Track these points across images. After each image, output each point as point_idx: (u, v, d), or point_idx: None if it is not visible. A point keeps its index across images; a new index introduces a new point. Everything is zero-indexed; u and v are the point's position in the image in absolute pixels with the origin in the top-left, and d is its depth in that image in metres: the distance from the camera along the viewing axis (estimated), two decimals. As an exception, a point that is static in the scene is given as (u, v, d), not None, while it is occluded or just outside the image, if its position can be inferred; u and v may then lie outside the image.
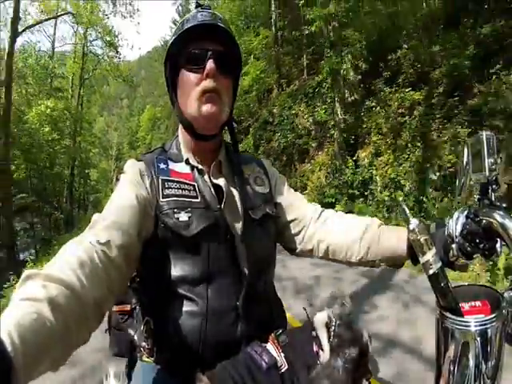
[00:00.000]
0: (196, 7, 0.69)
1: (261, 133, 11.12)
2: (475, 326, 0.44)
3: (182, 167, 0.70)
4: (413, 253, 0.54)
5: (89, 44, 15.79)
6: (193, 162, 0.70)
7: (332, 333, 0.55)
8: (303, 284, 3.72)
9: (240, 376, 0.55)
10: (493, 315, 0.44)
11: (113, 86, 20.37)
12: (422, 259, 0.49)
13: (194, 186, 0.67)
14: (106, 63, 15.76)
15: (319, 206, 0.80)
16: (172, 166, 0.70)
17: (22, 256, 10.97)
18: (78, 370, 2.29)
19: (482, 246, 0.49)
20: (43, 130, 12.84)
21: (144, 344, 0.66)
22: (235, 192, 0.71)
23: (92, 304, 0.44)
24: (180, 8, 27.75)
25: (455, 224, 0.52)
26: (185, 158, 0.71)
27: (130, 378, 0.79)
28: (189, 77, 0.65)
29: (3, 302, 4.66)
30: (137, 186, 0.64)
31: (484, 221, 0.47)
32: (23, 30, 10.94)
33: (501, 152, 4.70)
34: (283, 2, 11.68)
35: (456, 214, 0.53)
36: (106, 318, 0.67)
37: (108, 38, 14.88)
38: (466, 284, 0.51)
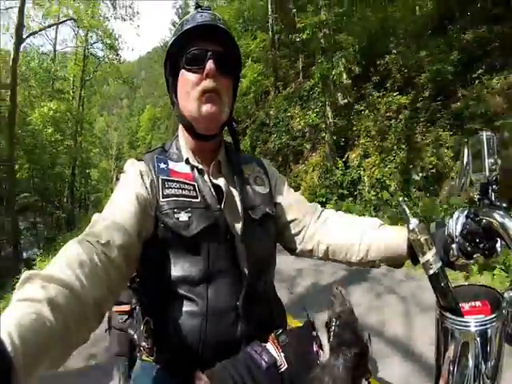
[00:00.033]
0: (196, 8, 0.70)
1: (257, 134, 11.39)
2: (475, 326, 0.44)
3: (181, 167, 0.70)
4: (413, 253, 0.54)
5: (89, 46, 16.03)
6: (193, 161, 0.70)
7: (332, 333, 0.55)
8: (287, 275, 4.13)
9: (240, 375, 0.56)
10: (493, 315, 0.44)
11: (113, 86, 20.58)
12: (422, 259, 0.49)
13: (193, 185, 0.67)
14: (106, 65, 16.04)
15: (319, 205, 0.80)
16: (172, 165, 0.70)
17: (25, 254, 11.31)
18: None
19: (482, 245, 0.49)
20: (46, 131, 13.15)
21: (144, 344, 0.66)
22: (235, 192, 0.71)
23: (92, 304, 0.45)
24: (180, 10, 28.20)
25: (455, 224, 0.52)
26: (185, 158, 0.71)
27: (129, 377, 0.79)
28: (189, 77, 0.66)
29: (3, 303, 4.86)
30: (137, 186, 0.64)
31: (484, 221, 0.47)
32: (27, 37, 11.33)
33: None
34: (280, 6, 11.95)
35: (456, 214, 0.53)
36: (105, 318, 0.67)
37: (108, 41, 15.16)
38: (466, 284, 0.51)
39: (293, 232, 0.77)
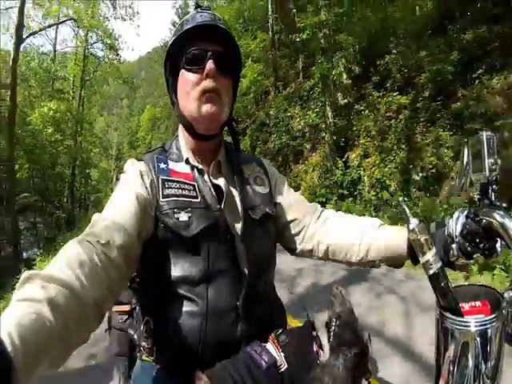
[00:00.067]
0: (195, 8, 0.70)
1: (257, 134, 11.40)
2: (475, 326, 0.43)
3: (181, 167, 0.70)
4: (413, 253, 0.54)
5: (89, 46, 16.03)
6: (193, 161, 0.70)
7: (332, 333, 0.55)
8: (287, 275, 4.14)
9: (240, 375, 0.56)
10: (493, 315, 0.44)
11: (113, 86, 20.59)
12: (422, 259, 0.49)
13: (193, 185, 0.67)
14: (106, 65, 16.03)
15: (319, 205, 0.80)
16: (172, 165, 0.69)
17: (25, 254, 11.34)
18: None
19: (482, 245, 0.49)
20: (46, 131, 13.16)
21: (144, 344, 0.66)
22: (235, 192, 0.71)
23: (92, 304, 0.45)
24: (180, 10, 28.23)
25: (455, 224, 0.52)
26: (185, 158, 0.70)
27: (129, 377, 0.79)
28: (189, 77, 0.66)
29: (3, 303, 4.86)
30: (137, 186, 0.64)
31: (484, 221, 0.47)
32: (27, 37, 11.35)
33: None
34: (280, 6, 11.95)
35: (456, 214, 0.53)
36: (105, 318, 0.66)
37: (108, 41, 15.15)
38: (466, 284, 0.51)
39: (293, 232, 0.77)
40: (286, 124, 9.99)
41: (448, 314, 0.46)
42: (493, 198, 0.49)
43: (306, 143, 9.22)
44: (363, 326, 0.54)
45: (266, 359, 0.58)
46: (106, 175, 27.51)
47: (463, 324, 0.45)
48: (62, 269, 0.44)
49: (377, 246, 0.66)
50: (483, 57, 5.55)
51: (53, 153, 14.20)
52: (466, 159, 0.51)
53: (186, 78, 0.66)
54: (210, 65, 0.64)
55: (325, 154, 8.01)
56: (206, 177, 0.69)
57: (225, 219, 0.66)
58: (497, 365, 0.44)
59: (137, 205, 0.60)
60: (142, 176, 0.65)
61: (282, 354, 0.60)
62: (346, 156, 7.46)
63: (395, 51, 7.13)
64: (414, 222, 0.51)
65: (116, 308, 0.82)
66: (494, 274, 3.30)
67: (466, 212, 0.52)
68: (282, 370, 0.58)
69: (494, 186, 0.49)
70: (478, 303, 0.49)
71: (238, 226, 0.68)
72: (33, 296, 0.38)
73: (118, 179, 0.69)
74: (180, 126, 0.74)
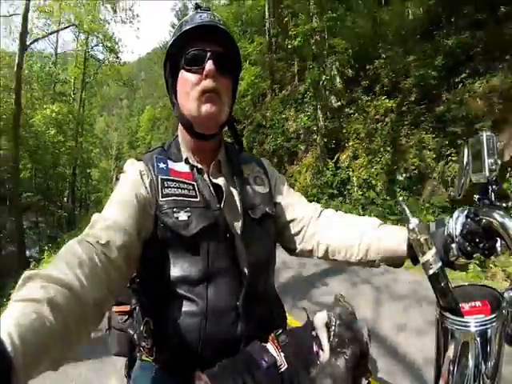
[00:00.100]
0: (195, 9, 0.69)
1: (254, 135, 11.46)
2: (475, 326, 0.43)
3: (181, 166, 0.69)
4: (413, 252, 0.52)
5: (90, 49, 15.93)
6: (192, 161, 0.69)
7: (332, 333, 0.54)
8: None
9: (240, 375, 0.55)
10: (493, 315, 0.43)
11: (113, 87, 20.41)
12: (422, 259, 0.48)
13: (193, 185, 0.66)
14: (106, 67, 15.91)
15: (319, 205, 0.79)
16: (171, 165, 0.68)
17: (28, 253, 11.24)
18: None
19: (481, 245, 0.49)
20: (49, 132, 13.11)
21: (144, 344, 0.64)
22: (235, 191, 0.69)
23: (92, 304, 0.44)
24: (179, 13, 27.90)
25: (455, 223, 0.51)
26: (184, 158, 0.69)
27: (129, 377, 0.77)
28: (188, 77, 0.64)
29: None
30: (136, 186, 0.62)
31: (484, 220, 0.47)
32: (31, 43, 11.28)
33: (456, 155, 5.10)
34: (276, 10, 12.00)
35: (456, 214, 0.52)
36: (105, 318, 0.67)
37: (109, 44, 15.03)
38: (466, 284, 0.50)
39: (292, 232, 0.76)
40: (282, 126, 10.10)
41: (448, 314, 0.45)
42: (493, 198, 0.48)
43: (300, 145, 9.35)
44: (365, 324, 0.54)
45: (266, 359, 0.57)
46: (106, 175, 27.42)
47: (463, 324, 0.44)
48: (61, 269, 0.43)
49: (376, 246, 0.65)
50: (467, 61, 5.63)
51: (55, 153, 14.18)
52: (465, 159, 0.50)
53: (186, 78, 0.65)
54: (209, 65, 0.63)
55: (317, 156, 8.10)
56: (205, 176, 0.68)
57: (224, 219, 0.65)
58: (497, 365, 0.43)
59: (136, 204, 0.59)
60: (141, 176, 0.64)
61: (282, 354, 0.58)
62: (337, 157, 7.60)
63: (384, 56, 7.23)
64: (413, 221, 0.49)
65: (116, 308, 0.80)
66: (467, 269, 3.41)
67: (465, 212, 0.51)
68: (282, 370, 0.57)
69: (493, 186, 0.48)
70: (477, 303, 0.47)
71: (238, 226, 0.67)
72: (33, 296, 0.37)
73: (117, 179, 0.67)
74: (179, 126, 0.73)
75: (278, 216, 0.75)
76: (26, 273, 0.40)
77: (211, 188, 0.67)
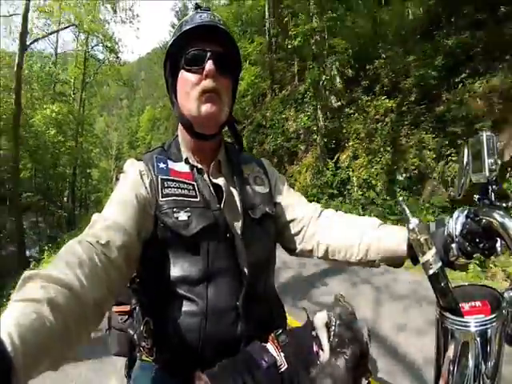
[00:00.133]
0: (195, 9, 0.69)
1: (254, 135, 11.47)
2: (475, 326, 0.43)
3: (181, 166, 0.68)
4: (413, 252, 0.52)
5: (90, 49, 15.91)
6: (192, 161, 0.69)
7: (332, 333, 0.53)
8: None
9: (240, 375, 0.55)
10: (493, 315, 0.43)
11: (113, 87, 20.40)
12: (422, 259, 0.48)
13: (193, 185, 0.66)
14: (106, 67, 15.89)
15: (319, 205, 0.78)
16: (171, 165, 0.68)
17: (28, 253, 11.24)
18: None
19: (481, 245, 0.49)
20: (49, 132, 13.10)
21: (144, 344, 0.64)
22: (235, 191, 0.69)
23: (92, 304, 0.44)
24: (179, 13, 27.87)
25: (455, 223, 0.51)
26: (184, 158, 0.69)
27: (129, 377, 0.77)
28: (188, 77, 0.64)
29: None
30: (136, 186, 0.62)
31: (484, 220, 0.47)
32: (31, 43, 11.30)
33: (456, 155, 5.10)
34: (276, 10, 12.00)
35: (456, 214, 0.52)
36: (105, 318, 0.67)
37: (109, 44, 15.01)
38: (466, 284, 0.50)
39: (292, 232, 0.75)
40: (282, 126, 10.11)
41: (448, 314, 0.45)
42: (493, 198, 0.48)
43: (300, 145, 9.35)
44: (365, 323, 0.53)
45: (267, 359, 0.57)
46: (106, 175, 27.40)
47: (463, 324, 0.44)
48: (61, 269, 0.43)
49: (376, 246, 0.65)
50: (467, 61, 5.63)
51: (55, 153, 14.18)
52: (465, 159, 0.50)
53: (186, 78, 0.65)
54: (209, 65, 0.62)
55: (317, 156, 8.11)
56: (205, 176, 0.68)
57: (224, 218, 0.65)
58: (497, 365, 0.43)
59: (136, 204, 0.59)
60: (141, 176, 0.64)
61: (282, 354, 0.58)
62: (337, 157, 7.61)
63: (384, 56, 7.23)
64: (413, 221, 0.49)
65: (116, 308, 0.80)
66: (467, 269, 3.42)
67: (466, 212, 0.51)
68: (282, 370, 0.56)
69: (493, 186, 0.48)
70: (477, 303, 0.47)
71: (238, 226, 0.67)
72: (33, 296, 0.37)
73: (117, 179, 0.67)
74: (179, 126, 0.73)
75: (278, 216, 0.75)
76: (26, 273, 0.40)
77: (211, 188, 0.67)
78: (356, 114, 7.35)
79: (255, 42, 12.92)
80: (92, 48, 16.06)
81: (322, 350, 0.55)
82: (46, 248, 7.98)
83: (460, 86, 5.47)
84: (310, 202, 0.80)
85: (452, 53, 5.79)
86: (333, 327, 0.54)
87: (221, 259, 0.63)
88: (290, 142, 9.55)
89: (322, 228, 0.73)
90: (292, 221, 0.76)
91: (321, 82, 7.67)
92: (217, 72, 0.63)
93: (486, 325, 0.43)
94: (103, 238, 0.51)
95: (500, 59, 5.17)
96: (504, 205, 0.47)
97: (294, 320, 1.14)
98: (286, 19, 9.09)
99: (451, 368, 0.45)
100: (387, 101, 6.61)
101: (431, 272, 0.47)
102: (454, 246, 0.51)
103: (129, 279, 0.64)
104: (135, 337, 0.70)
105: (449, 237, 0.52)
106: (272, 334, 0.63)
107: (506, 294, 0.45)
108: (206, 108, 0.63)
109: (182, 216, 0.61)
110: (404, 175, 5.81)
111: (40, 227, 14.59)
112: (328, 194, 7.21)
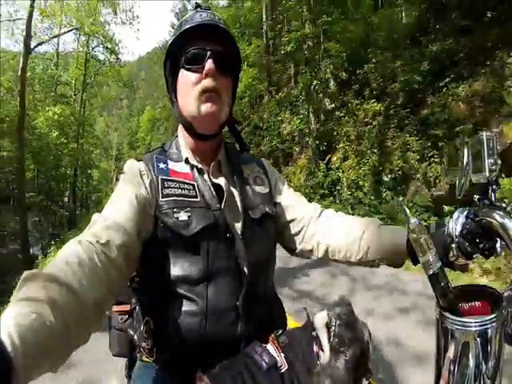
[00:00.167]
0: (195, 8, 0.67)
1: (251, 137, 11.50)
2: (475, 326, 0.42)
3: (181, 167, 0.67)
4: (413, 253, 0.51)
5: (90, 50, 15.72)
6: (192, 161, 0.68)
7: (332, 333, 0.52)
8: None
9: (240, 376, 0.53)
10: (493, 315, 0.42)
11: (113, 87, 20.14)
12: (422, 259, 0.47)
13: (193, 185, 0.65)
14: (107, 68, 15.72)
15: (319, 205, 0.77)
16: (171, 165, 0.67)
17: (31, 250, 11.12)
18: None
19: (481, 245, 0.48)
20: (51, 134, 12.98)
21: (144, 344, 0.63)
22: (235, 191, 0.68)
23: (92, 304, 0.43)
24: (179, 14, 27.53)
25: (455, 224, 0.50)
26: (184, 158, 0.68)
27: (129, 377, 0.75)
28: (188, 76, 0.63)
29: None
30: (136, 186, 0.61)
31: (484, 221, 0.46)
32: (35, 47, 11.22)
33: (441, 157, 5.14)
34: (274, 13, 11.96)
35: (456, 214, 0.51)
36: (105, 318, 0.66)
37: (109, 46, 14.87)
38: (466, 284, 0.49)
39: (292, 232, 0.74)
40: (277, 128, 10.21)
41: (448, 314, 0.44)
42: (493, 199, 0.47)
43: (294, 146, 9.47)
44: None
45: (267, 360, 0.55)
46: (106, 175, 27.25)
47: (463, 324, 0.43)
48: (61, 269, 0.42)
49: (376, 246, 0.64)
50: (451, 66, 5.69)
51: (57, 155, 14.09)
52: (465, 159, 0.49)
53: (186, 77, 0.64)
54: (209, 64, 0.61)
55: (309, 157, 8.12)
56: (205, 176, 0.67)
57: (225, 218, 0.63)
58: (497, 365, 0.43)
59: (136, 205, 0.58)
60: (141, 176, 0.63)
61: (283, 355, 0.57)
62: (328, 159, 7.70)
63: (374, 60, 7.31)
64: (413, 221, 0.48)
65: (116, 307, 0.78)
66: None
67: (465, 212, 0.50)
68: (283, 371, 0.55)
69: (493, 187, 0.47)
70: (477, 303, 0.46)
71: (238, 226, 0.65)
72: (33, 296, 0.36)
73: (117, 179, 0.65)
74: (179, 126, 0.72)
75: (278, 216, 0.74)
76: (26, 273, 0.39)
77: (211, 188, 0.66)
78: (346, 117, 7.47)
79: (253, 44, 12.93)
80: (93, 49, 15.94)
81: (323, 350, 0.54)
82: (53, 243, 8.15)
83: (444, 90, 5.54)
84: None
85: (437, 58, 5.85)
86: (333, 327, 0.53)
87: (221, 259, 0.62)
88: (285, 144, 9.64)
89: (322, 228, 0.72)
90: (292, 221, 0.74)
91: (312, 86, 7.73)
92: (217, 71, 0.62)
93: (486, 325, 0.42)
94: (103, 238, 0.50)
95: (483, 64, 5.22)
96: (504, 205, 0.46)
97: (294, 320, 1.12)
98: (279, 26, 9.02)
99: (451, 368, 0.44)
100: (375, 104, 6.75)
101: (431, 272, 0.46)
102: (453, 246, 0.50)
103: (129, 279, 0.63)
104: (135, 337, 0.68)
105: (449, 237, 0.51)
106: (272, 335, 0.61)
107: (506, 294, 0.44)
108: (205, 107, 0.62)
109: (183, 216, 0.60)
110: (389, 176, 5.88)
111: (42, 226, 14.55)
112: (320, 194, 7.29)
